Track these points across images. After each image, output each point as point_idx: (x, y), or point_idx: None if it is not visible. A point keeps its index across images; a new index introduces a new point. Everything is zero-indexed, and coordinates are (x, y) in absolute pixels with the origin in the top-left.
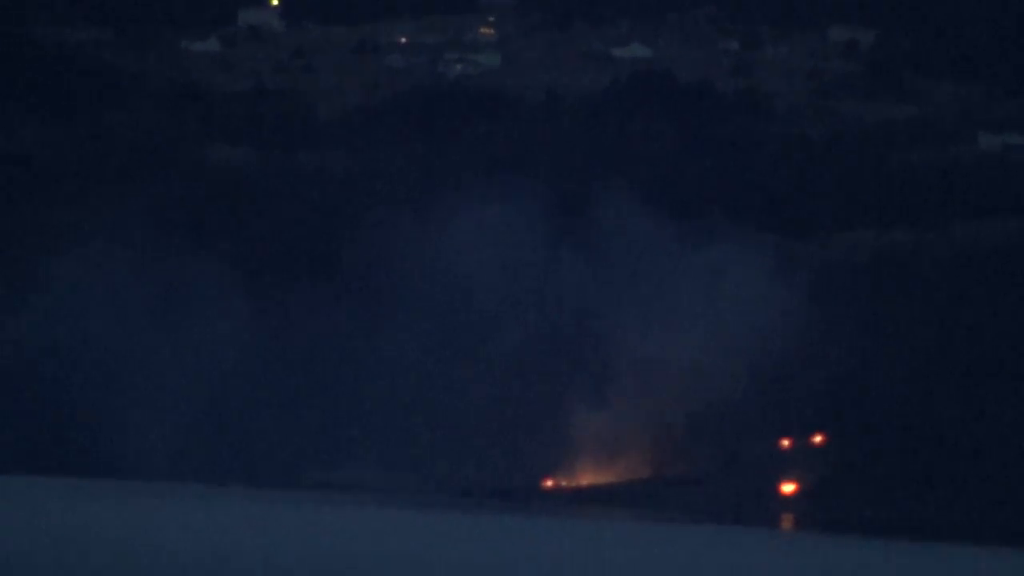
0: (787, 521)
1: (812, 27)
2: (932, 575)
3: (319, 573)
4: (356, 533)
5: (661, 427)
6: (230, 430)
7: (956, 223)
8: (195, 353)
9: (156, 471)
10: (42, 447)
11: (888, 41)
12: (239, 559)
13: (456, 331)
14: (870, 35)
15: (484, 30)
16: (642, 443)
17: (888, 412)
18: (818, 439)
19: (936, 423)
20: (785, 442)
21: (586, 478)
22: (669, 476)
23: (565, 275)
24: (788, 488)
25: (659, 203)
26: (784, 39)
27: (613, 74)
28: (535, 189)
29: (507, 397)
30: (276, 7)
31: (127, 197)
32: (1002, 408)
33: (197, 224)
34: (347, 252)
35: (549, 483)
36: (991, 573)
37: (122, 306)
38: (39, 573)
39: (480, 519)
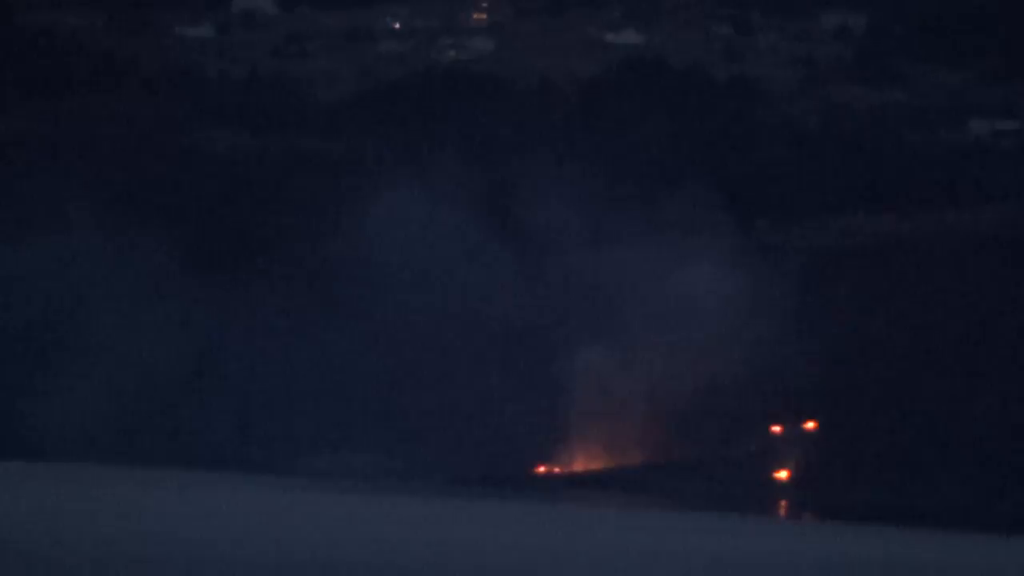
0: (780, 507)
1: (804, 13)
2: (924, 561)
3: (311, 559)
4: (347, 519)
5: (653, 413)
6: (221, 416)
7: (947, 208)
8: (186, 340)
9: (146, 457)
10: (38, 433)
11: (880, 27)
12: (231, 546)
13: (448, 316)
14: (862, 21)
15: (477, 15)
16: (634, 429)
17: (880, 398)
18: (810, 425)
19: (928, 409)
20: (777, 428)
21: (578, 464)
22: (661, 462)
23: (556, 260)
24: (781, 475)
25: (650, 188)
26: (776, 25)
27: (606, 60)
28: (528, 174)
29: (500, 383)
30: None
31: (119, 183)
32: (994, 394)
33: (190, 210)
34: (339, 239)
35: (541, 468)
36: (984, 559)
37: (113, 292)
38: (36, 561)
39: (472, 505)
